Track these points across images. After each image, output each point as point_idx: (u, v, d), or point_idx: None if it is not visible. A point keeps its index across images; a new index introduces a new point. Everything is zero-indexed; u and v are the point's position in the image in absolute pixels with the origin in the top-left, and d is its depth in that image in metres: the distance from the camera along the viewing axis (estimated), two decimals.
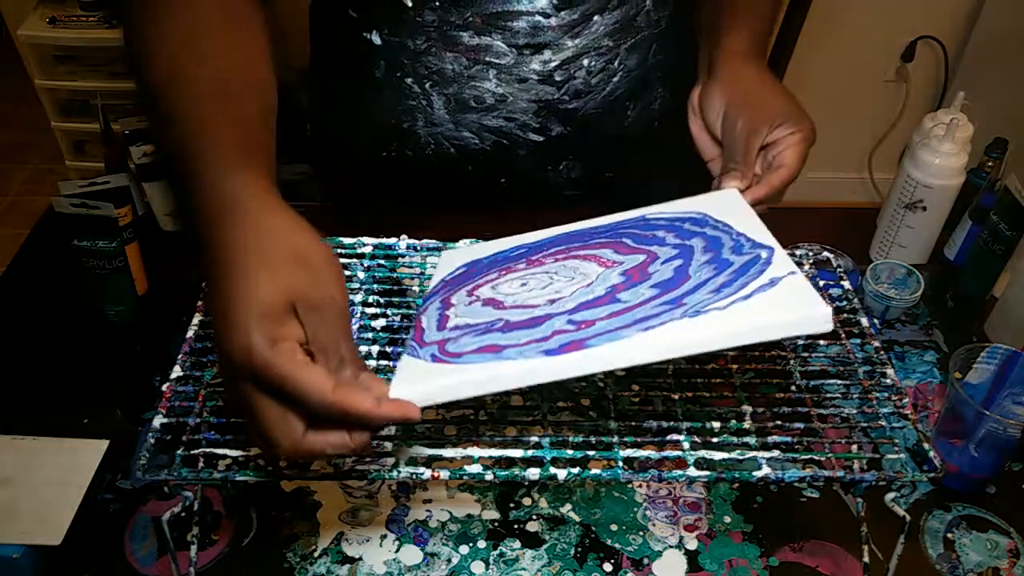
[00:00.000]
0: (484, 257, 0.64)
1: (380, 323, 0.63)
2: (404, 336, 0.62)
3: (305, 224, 0.48)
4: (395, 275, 0.68)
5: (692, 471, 0.53)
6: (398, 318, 0.64)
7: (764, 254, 0.52)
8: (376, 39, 0.73)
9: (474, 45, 0.71)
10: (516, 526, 0.70)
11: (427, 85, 0.73)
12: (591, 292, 0.53)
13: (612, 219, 0.63)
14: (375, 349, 0.61)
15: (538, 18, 0.70)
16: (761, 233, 0.55)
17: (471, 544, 0.69)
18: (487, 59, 0.71)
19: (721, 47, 0.70)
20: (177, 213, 0.51)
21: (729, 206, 0.60)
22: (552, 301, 0.54)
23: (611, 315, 0.50)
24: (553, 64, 0.72)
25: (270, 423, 0.45)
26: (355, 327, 0.62)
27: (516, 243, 0.65)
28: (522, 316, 0.53)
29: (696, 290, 0.50)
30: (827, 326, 0.46)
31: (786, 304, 0.47)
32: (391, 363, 0.60)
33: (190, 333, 0.60)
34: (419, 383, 0.49)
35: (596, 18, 0.71)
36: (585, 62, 0.73)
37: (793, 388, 0.60)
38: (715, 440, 0.56)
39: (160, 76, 0.53)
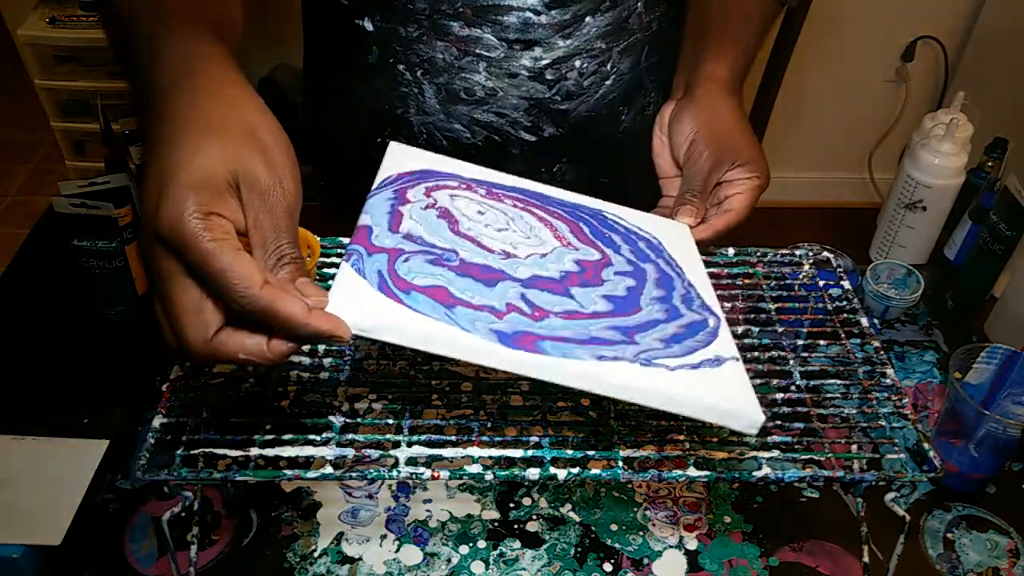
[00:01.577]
0: (442, 171, 0.63)
1: None
2: None
3: (264, 105, 0.45)
4: None
5: (692, 471, 0.53)
6: None
7: (712, 322, 0.55)
8: (368, 25, 0.73)
9: (464, 36, 0.71)
10: (516, 526, 0.70)
11: (418, 73, 0.74)
12: (545, 267, 0.54)
13: (570, 198, 0.64)
14: (375, 349, 0.61)
15: (528, 14, 0.70)
16: (707, 291, 0.59)
17: (471, 544, 0.69)
18: (477, 51, 0.71)
19: (702, 72, 0.70)
20: (130, 100, 0.48)
21: (680, 240, 0.63)
22: (507, 255, 0.54)
23: (565, 315, 0.51)
24: (544, 62, 0.72)
25: (182, 308, 0.41)
26: None
27: (476, 174, 0.63)
28: (476, 259, 0.53)
29: (647, 329, 0.52)
30: (754, 430, 0.49)
31: (728, 394, 0.50)
32: (393, 364, 0.60)
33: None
34: (359, 310, 0.46)
35: (588, 19, 0.71)
36: (577, 63, 0.73)
37: (793, 388, 0.60)
38: (715, 440, 0.56)
39: None
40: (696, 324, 0.54)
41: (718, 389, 0.50)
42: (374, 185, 0.58)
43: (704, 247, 0.65)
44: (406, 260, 0.51)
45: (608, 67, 0.75)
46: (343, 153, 0.86)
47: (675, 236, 0.64)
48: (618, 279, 0.56)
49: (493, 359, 0.47)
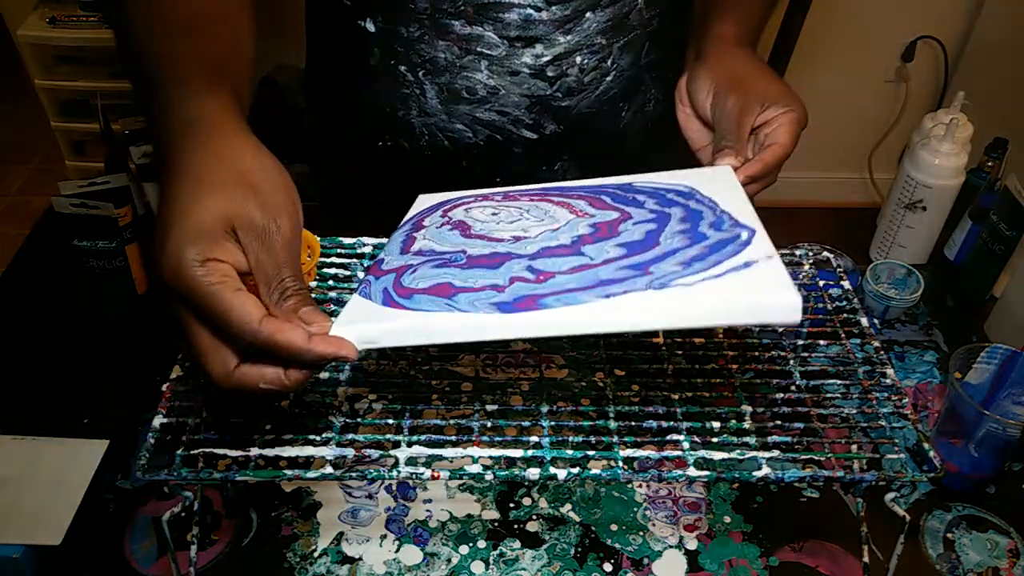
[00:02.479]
0: (463, 195, 0.63)
1: None
2: None
3: (262, 149, 0.47)
4: None
5: (692, 471, 0.53)
6: None
7: (744, 235, 0.48)
8: (370, 26, 0.73)
9: (466, 35, 0.71)
10: (516, 526, 0.70)
11: (420, 73, 0.74)
12: (556, 238, 0.52)
13: (597, 181, 0.62)
14: (374, 349, 0.61)
15: (529, 11, 0.70)
16: (747, 214, 0.51)
17: (471, 544, 0.69)
18: (479, 49, 0.72)
19: (710, 33, 0.70)
20: (136, 107, 0.52)
21: (720, 183, 0.57)
22: (517, 239, 0.53)
23: (572, 269, 0.47)
24: (545, 59, 0.72)
25: (201, 349, 0.44)
26: None
27: (497, 190, 0.63)
28: (484, 250, 0.52)
29: (664, 259, 0.47)
30: (795, 316, 0.43)
31: (756, 288, 0.44)
32: (393, 364, 0.60)
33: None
34: (362, 323, 0.47)
35: (588, 15, 0.71)
36: (578, 59, 0.73)
37: (793, 388, 0.60)
38: (715, 440, 0.56)
39: (135, 8, 0.52)
40: (724, 240, 0.48)
41: (743, 289, 0.44)
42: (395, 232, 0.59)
43: (758, 183, 0.61)
44: (413, 271, 0.51)
45: (609, 63, 0.75)
46: (345, 154, 0.86)
47: (714, 180, 0.57)
48: (636, 227, 0.51)
49: (494, 331, 0.45)
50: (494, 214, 0.57)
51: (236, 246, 0.44)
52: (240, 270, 0.44)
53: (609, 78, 0.76)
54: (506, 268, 0.49)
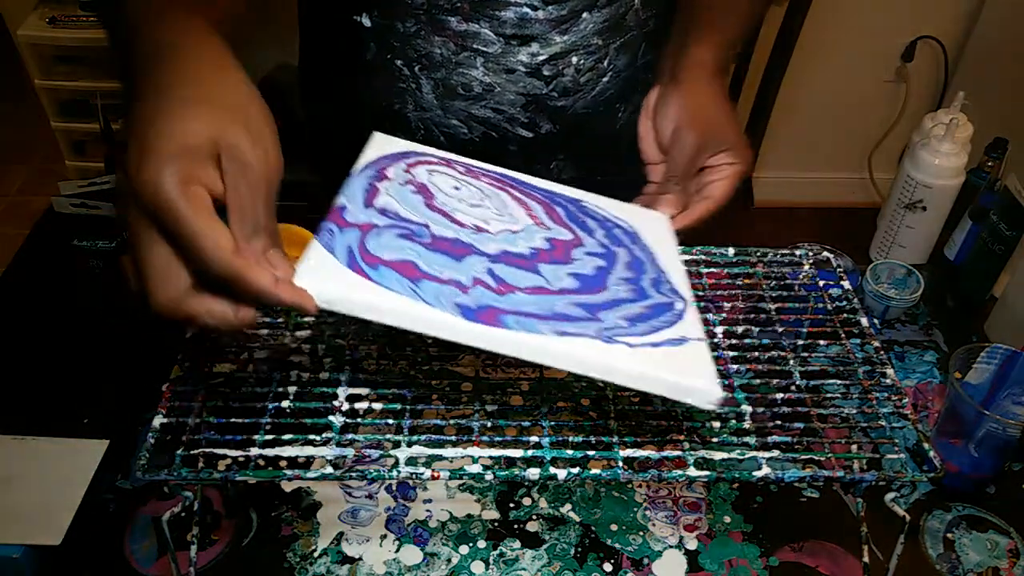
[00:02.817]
0: (424, 151, 0.63)
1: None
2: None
3: (248, 80, 0.46)
4: None
5: (692, 471, 0.53)
6: None
7: (679, 305, 0.55)
8: (366, 21, 0.73)
9: (462, 31, 0.71)
10: (516, 526, 0.70)
11: (416, 68, 0.74)
12: (515, 244, 0.55)
13: (549, 186, 0.64)
14: (375, 350, 0.61)
15: (525, 10, 0.70)
16: (680, 278, 0.58)
17: (471, 544, 0.69)
18: (474, 46, 0.72)
19: (688, 57, 0.70)
20: (113, 71, 0.50)
21: (658, 232, 0.63)
22: (479, 230, 0.55)
23: (531, 290, 0.51)
24: (541, 58, 0.73)
25: (152, 267, 0.42)
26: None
27: (457, 157, 0.63)
28: (446, 232, 0.53)
29: (611, 307, 0.52)
30: (712, 404, 0.49)
31: (685, 370, 0.50)
32: (393, 364, 0.60)
33: (190, 333, 0.60)
34: (326, 282, 0.47)
35: (585, 15, 0.72)
36: (574, 60, 0.73)
37: (793, 388, 0.60)
38: (715, 440, 0.56)
39: None
40: (662, 306, 0.54)
41: (678, 366, 0.50)
42: (354, 171, 0.57)
43: (684, 235, 0.65)
44: (378, 235, 0.51)
45: (605, 64, 0.75)
46: (340, 150, 0.86)
47: (653, 226, 0.63)
48: (588, 259, 0.56)
49: (456, 333, 0.47)
50: (456, 188, 0.58)
51: (216, 172, 0.43)
52: (215, 196, 0.43)
53: (605, 79, 0.76)
54: (468, 265, 0.51)
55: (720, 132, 0.66)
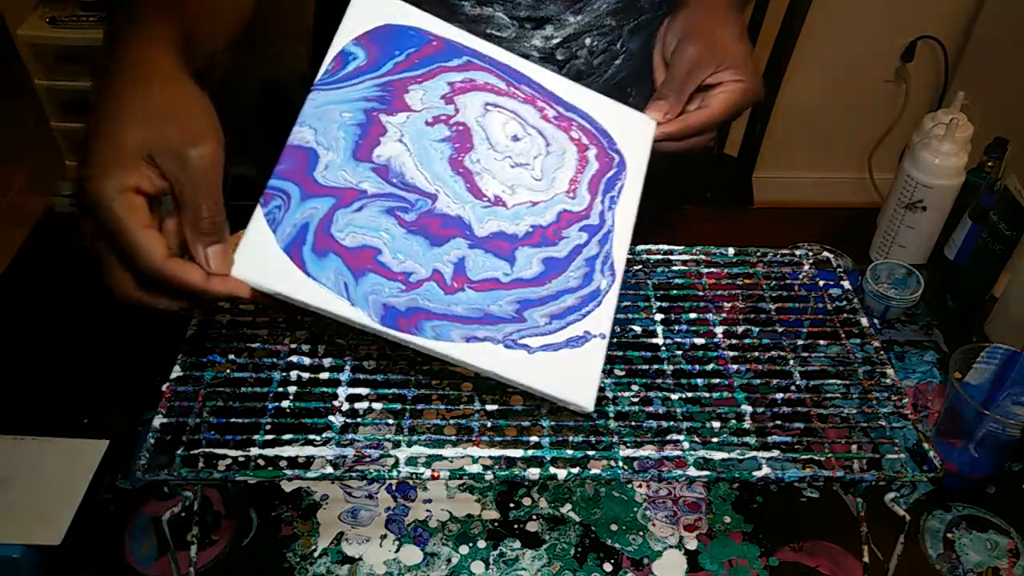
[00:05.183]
0: (462, 44, 0.57)
1: None
2: None
3: (182, 78, 0.49)
4: None
5: (692, 471, 0.53)
6: None
7: (604, 285, 0.55)
8: None
9: (475, 15, 0.71)
10: (516, 526, 0.70)
11: None
12: (518, 221, 0.54)
13: (538, 75, 0.61)
14: (374, 349, 0.61)
15: None
16: (624, 239, 0.57)
17: (471, 544, 0.69)
18: (488, 31, 0.71)
19: None
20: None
21: (635, 136, 0.60)
22: (492, 203, 0.53)
23: (481, 284, 0.52)
24: (555, 41, 0.72)
25: (111, 267, 0.47)
26: None
27: (458, 38, 0.58)
28: (448, 208, 0.52)
29: (545, 303, 0.53)
30: (586, 407, 0.52)
31: (567, 380, 0.52)
32: (393, 364, 0.60)
33: (190, 333, 0.60)
34: (257, 270, 0.48)
35: None
36: (587, 41, 0.73)
37: (793, 388, 0.60)
38: (715, 440, 0.56)
39: None
40: (592, 295, 0.55)
41: (560, 376, 0.52)
42: (328, 61, 0.51)
43: (673, 144, 0.63)
44: (356, 209, 0.49)
45: (618, 45, 0.74)
46: None
47: (631, 130, 0.61)
48: (576, 236, 0.55)
49: (367, 329, 0.49)
50: (515, 139, 0.55)
51: (155, 171, 0.46)
52: (159, 192, 0.46)
53: (618, 61, 0.75)
54: (441, 251, 0.51)
55: (722, 48, 0.64)
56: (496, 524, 0.70)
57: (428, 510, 0.71)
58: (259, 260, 0.48)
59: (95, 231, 0.47)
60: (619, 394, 0.61)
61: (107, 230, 0.45)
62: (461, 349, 0.50)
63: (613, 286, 0.56)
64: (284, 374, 0.59)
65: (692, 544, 0.70)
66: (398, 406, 0.58)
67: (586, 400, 0.52)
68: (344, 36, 0.52)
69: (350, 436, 0.55)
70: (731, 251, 0.68)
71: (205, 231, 0.47)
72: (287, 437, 0.54)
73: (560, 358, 0.53)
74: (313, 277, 0.48)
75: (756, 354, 0.62)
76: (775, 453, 0.55)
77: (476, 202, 0.53)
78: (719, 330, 0.64)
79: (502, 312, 0.53)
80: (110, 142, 0.46)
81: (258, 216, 0.48)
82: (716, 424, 0.57)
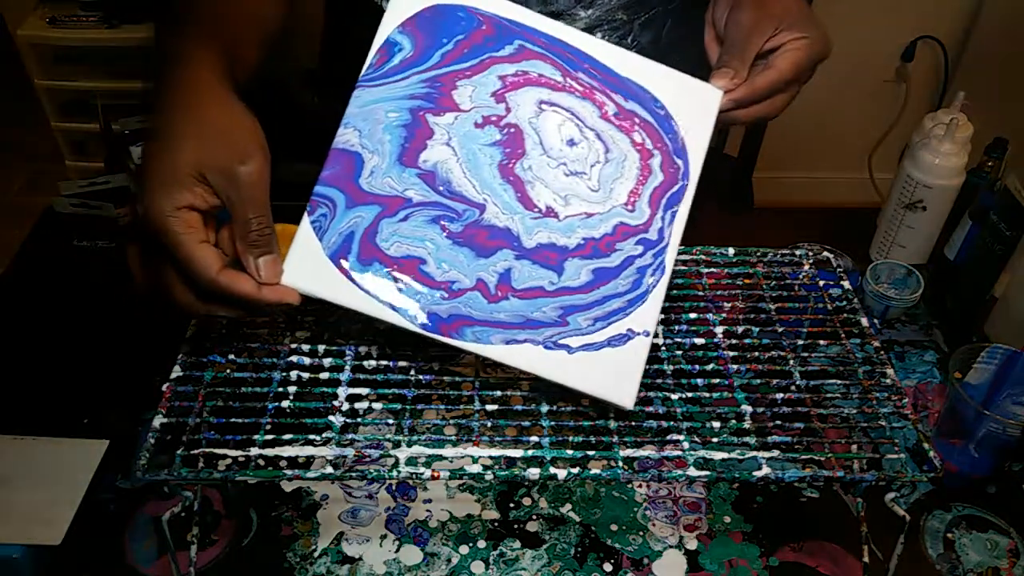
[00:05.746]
0: (521, 22, 0.52)
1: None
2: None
3: (230, 97, 0.51)
4: None
5: (692, 471, 0.53)
6: None
7: (651, 280, 0.54)
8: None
9: None
10: (516, 526, 0.70)
11: None
12: (570, 233, 0.53)
13: (594, 48, 0.56)
14: (375, 350, 0.61)
15: None
16: (678, 233, 0.55)
17: (471, 544, 0.69)
18: None
19: None
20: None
21: (698, 112, 0.56)
22: (544, 214, 0.52)
23: (525, 292, 0.52)
24: None
25: (170, 283, 0.50)
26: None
27: (508, 14, 0.53)
28: (496, 220, 0.51)
29: (590, 308, 0.53)
30: (627, 404, 0.53)
31: (609, 376, 0.52)
32: (391, 363, 0.60)
33: (190, 333, 0.60)
34: (306, 278, 0.50)
35: None
36: (598, 36, 0.72)
37: (793, 388, 0.60)
38: (715, 440, 0.56)
39: None
40: (638, 297, 0.54)
41: (601, 374, 0.52)
42: (373, 52, 0.49)
43: (744, 110, 0.59)
44: (402, 219, 0.49)
45: (629, 40, 0.74)
46: None
47: (694, 104, 0.56)
48: (630, 248, 0.54)
49: (411, 333, 0.51)
50: (571, 143, 0.51)
51: (207, 189, 0.48)
52: (213, 208, 0.49)
53: None
54: (487, 262, 0.51)
55: (779, 8, 0.60)
56: (496, 524, 0.70)
57: (428, 510, 0.71)
58: (307, 268, 0.50)
59: (147, 255, 0.50)
60: None
61: (164, 246, 0.48)
62: (501, 352, 0.51)
63: (660, 282, 0.54)
64: (284, 374, 0.59)
65: (692, 544, 0.70)
66: (398, 406, 0.58)
67: (626, 398, 0.52)
68: (390, 23, 0.50)
69: (350, 436, 0.55)
70: (731, 251, 0.68)
71: (254, 243, 0.49)
72: (287, 437, 0.54)
73: (601, 357, 0.52)
74: (358, 285, 0.49)
75: (756, 354, 0.62)
76: (775, 453, 0.55)
77: (526, 213, 0.52)
78: (719, 330, 0.64)
79: (545, 317, 0.52)
80: (165, 164, 0.48)
81: (305, 224, 0.50)
82: (716, 424, 0.57)
